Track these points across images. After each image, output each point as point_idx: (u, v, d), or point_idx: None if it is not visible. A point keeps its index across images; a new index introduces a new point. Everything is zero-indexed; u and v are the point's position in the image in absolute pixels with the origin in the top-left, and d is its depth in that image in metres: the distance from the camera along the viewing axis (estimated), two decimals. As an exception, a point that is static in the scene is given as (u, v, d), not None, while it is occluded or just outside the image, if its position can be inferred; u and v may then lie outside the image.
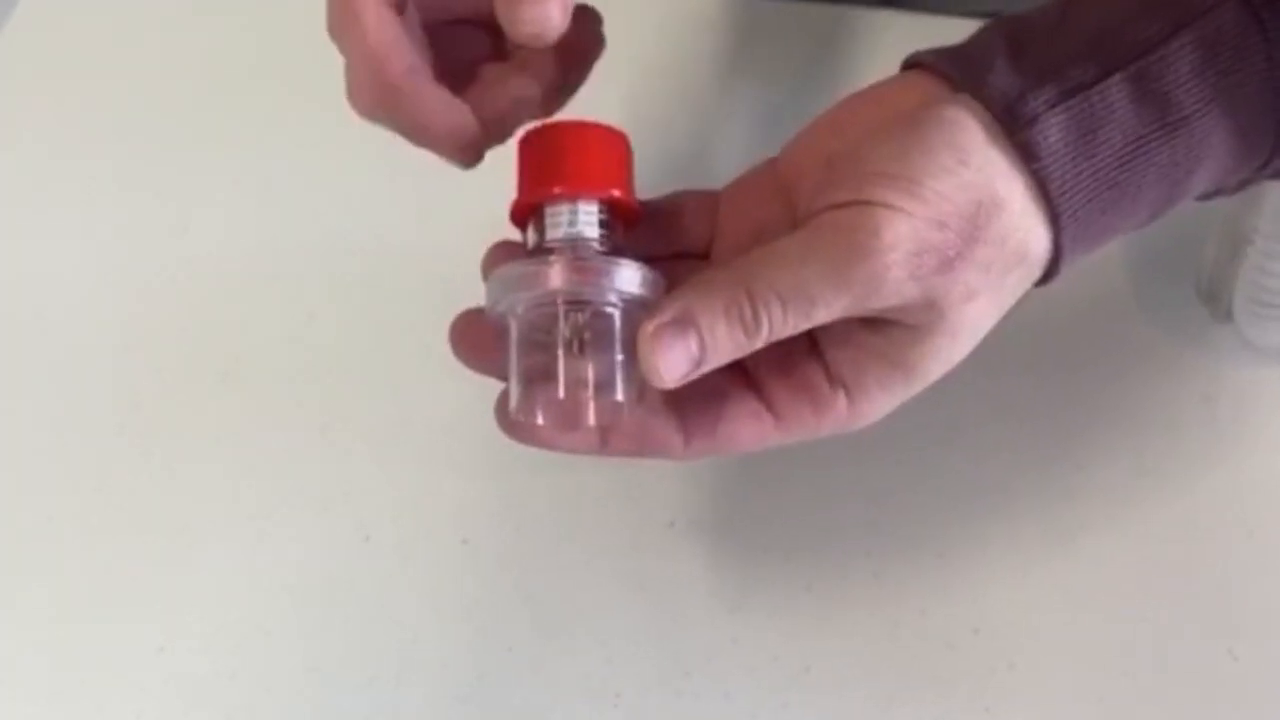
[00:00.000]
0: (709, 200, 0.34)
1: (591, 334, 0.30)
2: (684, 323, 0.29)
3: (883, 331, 0.30)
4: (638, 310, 0.30)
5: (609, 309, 0.30)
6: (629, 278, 0.30)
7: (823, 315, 0.29)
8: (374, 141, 0.57)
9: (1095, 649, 0.43)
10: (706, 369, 0.29)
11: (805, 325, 0.29)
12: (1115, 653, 0.43)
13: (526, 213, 0.31)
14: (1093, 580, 0.44)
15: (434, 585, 0.45)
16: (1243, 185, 0.33)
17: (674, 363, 0.29)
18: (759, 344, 0.29)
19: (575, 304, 0.30)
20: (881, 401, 0.31)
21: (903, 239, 0.28)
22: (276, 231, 0.53)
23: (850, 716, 0.42)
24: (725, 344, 0.29)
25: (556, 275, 0.29)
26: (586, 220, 0.30)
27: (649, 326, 0.29)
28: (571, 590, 0.45)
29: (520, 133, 0.33)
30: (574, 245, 0.30)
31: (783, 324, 0.29)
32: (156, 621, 0.45)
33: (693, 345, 0.29)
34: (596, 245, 0.30)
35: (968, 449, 0.47)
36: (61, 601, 0.45)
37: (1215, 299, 0.47)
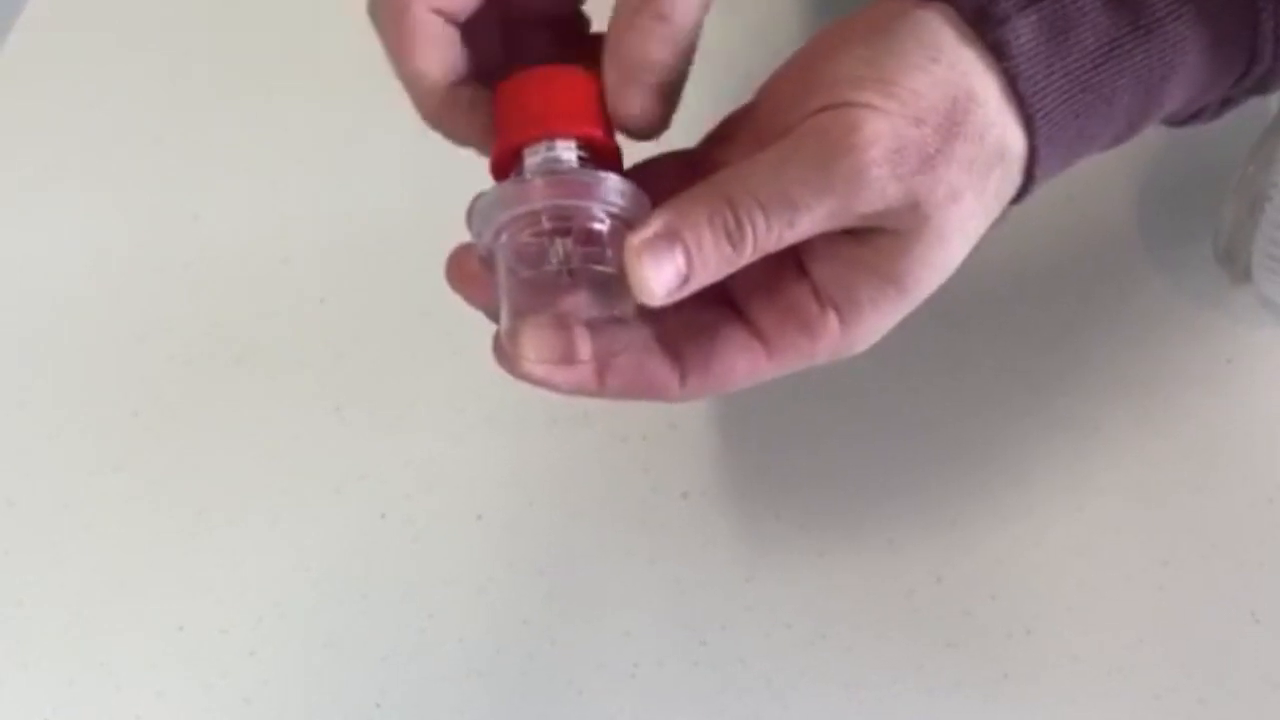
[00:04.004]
0: (685, 159, 0.33)
1: (581, 257, 0.29)
2: (670, 236, 0.29)
3: (869, 243, 0.30)
4: (623, 232, 0.29)
5: (596, 225, 0.29)
6: (613, 188, 0.29)
7: (806, 224, 0.29)
8: (382, 130, 0.57)
9: (1113, 613, 0.43)
10: (694, 286, 0.29)
11: (790, 235, 0.29)
12: (1134, 617, 0.43)
13: (507, 163, 0.31)
14: (1111, 544, 0.44)
15: (449, 560, 0.45)
16: (1225, 105, 0.33)
17: (662, 277, 0.29)
18: (745, 257, 0.29)
19: (560, 223, 0.29)
20: (874, 320, 0.31)
21: (881, 135, 0.28)
22: (287, 220, 0.53)
23: (865, 682, 0.42)
24: (711, 256, 0.29)
25: (537, 191, 0.29)
26: (565, 151, 0.30)
27: (634, 240, 0.29)
28: (586, 563, 0.45)
29: None
30: (553, 167, 0.30)
31: (766, 233, 0.29)
32: (176, 600, 0.45)
33: (679, 259, 0.29)
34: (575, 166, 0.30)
35: (983, 414, 0.46)
36: (83, 582, 0.46)
37: (1233, 259, 0.47)
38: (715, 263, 0.29)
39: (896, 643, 0.43)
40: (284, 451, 0.48)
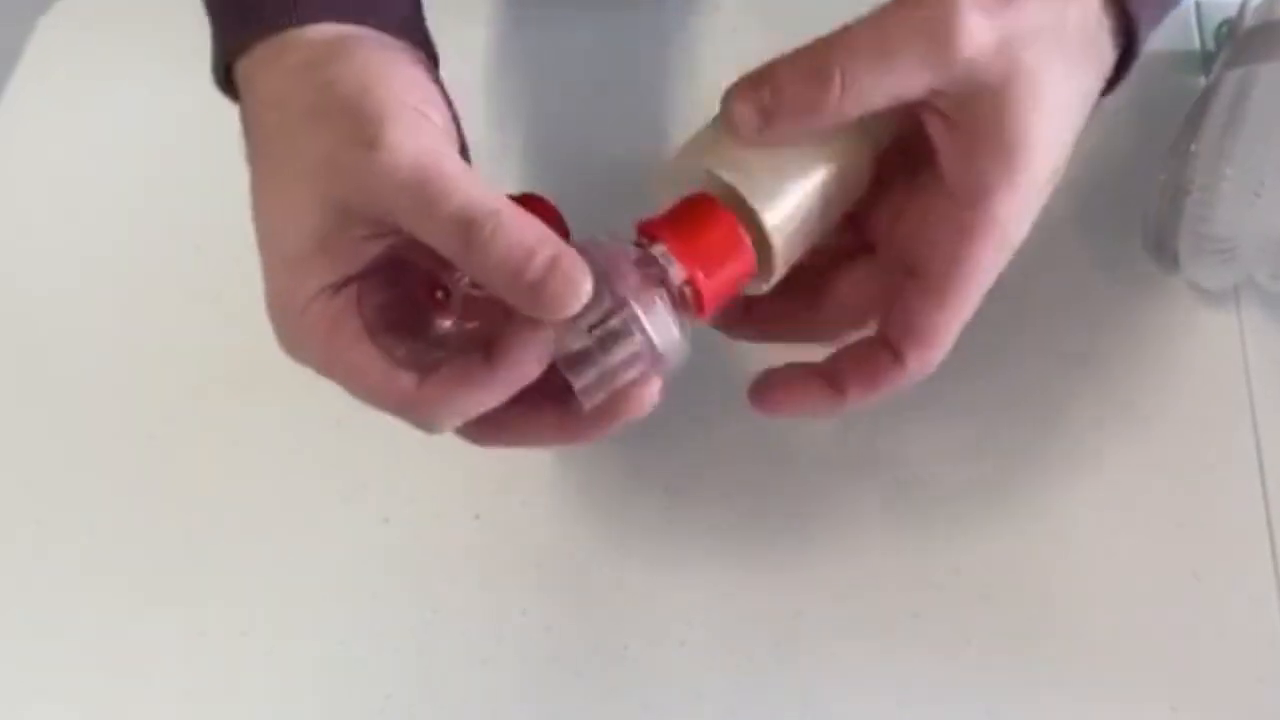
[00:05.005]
0: None
1: None
2: (757, 78, 0.32)
3: (970, 112, 0.32)
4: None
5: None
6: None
7: (900, 72, 0.31)
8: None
9: (1066, 577, 0.46)
10: (780, 123, 0.32)
11: (886, 80, 0.31)
12: (1085, 578, 0.46)
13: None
14: (1062, 513, 0.47)
15: (450, 558, 0.48)
16: None
17: (746, 112, 0.32)
18: (835, 99, 0.31)
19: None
20: (1013, 199, 0.33)
21: None
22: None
23: (838, 655, 0.45)
24: (793, 93, 0.32)
25: None
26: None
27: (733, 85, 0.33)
28: (577, 555, 0.48)
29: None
30: None
31: (864, 75, 0.31)
32: (199, 607, 0.48)
33: (764, 93, 0.32)
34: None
35: (942, 410, 0.49)
36: (113, 593, 0.48)
37: (1162, 249, 0.50)
38: (798, 101, 0.32)
39: (865, 618, 0.46)
40: (292, 465, 0.50)
